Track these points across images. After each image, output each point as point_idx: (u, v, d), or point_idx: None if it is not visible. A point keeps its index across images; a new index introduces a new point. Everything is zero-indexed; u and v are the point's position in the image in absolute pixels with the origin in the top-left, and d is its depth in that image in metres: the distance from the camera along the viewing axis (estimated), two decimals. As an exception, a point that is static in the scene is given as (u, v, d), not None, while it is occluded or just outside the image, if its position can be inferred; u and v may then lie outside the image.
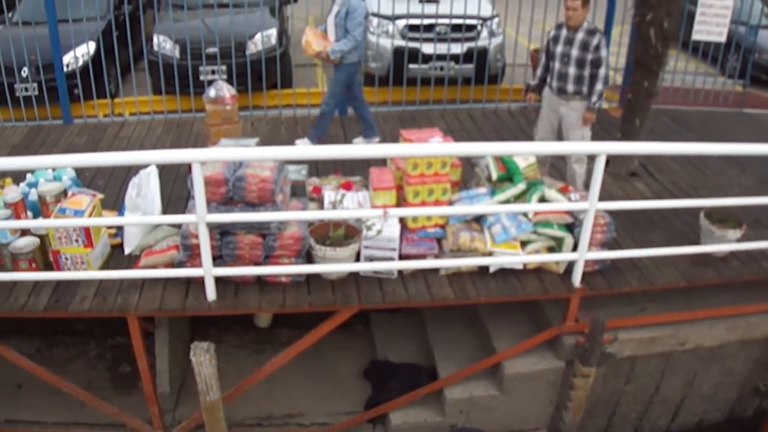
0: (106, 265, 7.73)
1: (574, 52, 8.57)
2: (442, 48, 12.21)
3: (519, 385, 8.05)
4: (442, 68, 12.29)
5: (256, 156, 6.79)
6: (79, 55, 12.72)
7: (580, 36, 8.56)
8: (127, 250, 7.90)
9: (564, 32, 8.68)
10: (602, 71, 8.56)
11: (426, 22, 12.23)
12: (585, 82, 8.64)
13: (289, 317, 7.88)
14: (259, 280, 7.36)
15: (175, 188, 8.96)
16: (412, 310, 8.57)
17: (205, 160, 6.52)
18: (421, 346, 8.98)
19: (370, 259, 7.33)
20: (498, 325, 8.32)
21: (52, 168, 8.70)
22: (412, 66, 12.11)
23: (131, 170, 9.06)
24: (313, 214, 7.35)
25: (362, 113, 10.75)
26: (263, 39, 12.86)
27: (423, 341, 8.97)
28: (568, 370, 7.98)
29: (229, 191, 6.96)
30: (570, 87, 8.70)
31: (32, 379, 8.57)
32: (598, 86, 8.60)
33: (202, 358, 6.89)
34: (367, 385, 8.81)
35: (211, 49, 12.07)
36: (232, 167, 7.02)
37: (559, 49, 8.68)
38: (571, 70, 8.63)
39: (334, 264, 7.17)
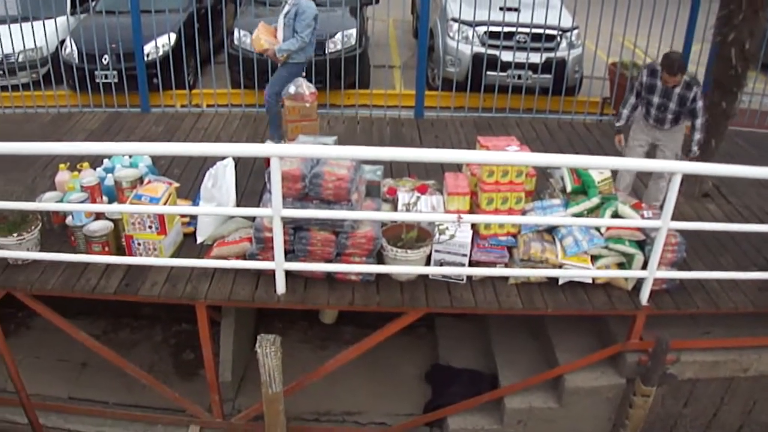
0: (177, 253, 7.85)
1: (672, 106, 8.48)
2: (520, 57, 12.14)
3: (579, 399, 7.98)
4: (519, 77, 12.23)
5: (334, 154, 6.80)
6: (160, 45, 12.88)
7: (677, 91, 8.43)
8: (199, 239, 8.00)
9: (659, 84, 8.52)
10: (699, 121, 8.50)
11: (506, 29, 12.15)
12: (684, 118, 8.61)
13: (354, 315, 7.90)
14: (329, 276, 7.40)
15: (250, 182, 9.06)
16: (477, 317, 8.55)
17: (284, 155, 6.56)
18: (484, 353, 8.95)
19: (441, 263, 7.31)
20: (562, 337, 8.26)
21: (129, 155, 8.80)
22: (490, 73, 12.05)
23: (207, 161, 9.17)
24: (387, 215, 7.36)
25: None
26: (344, 38, 12.88)
27: (486, 348, 8.94)
28: (628, 388, 7.89)
29: (306, 187, 6.99)
30: (668, 125, 8.67)
31: (97, 359, 8.72)
32: (696, 136, 8.55)
33: (268, 350, 6.94)
34: (428, 388, 8.82)
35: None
36: (310, 164, 7.05)
37: (656, 99, 8.56)
38: (669, 116, 8.58)
39: (404, 266, 7.17)
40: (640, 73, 8.83)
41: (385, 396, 8.78)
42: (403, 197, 7.64)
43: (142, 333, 10.04)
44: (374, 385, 8.89)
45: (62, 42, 13.76)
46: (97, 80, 12.76)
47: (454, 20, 12.83)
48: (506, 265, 7.49)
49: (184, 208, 7.89)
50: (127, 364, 8.27)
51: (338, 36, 12.90)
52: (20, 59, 13.54)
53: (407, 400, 8.75)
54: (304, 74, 10.08)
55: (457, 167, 8.31)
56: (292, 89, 9.23)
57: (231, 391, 8.58)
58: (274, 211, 6.61)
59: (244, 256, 7.48)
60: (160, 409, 8.70)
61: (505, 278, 7.50)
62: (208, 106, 12.59)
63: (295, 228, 7.15)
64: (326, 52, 12.43)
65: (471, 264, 7.41)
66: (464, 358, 8.93)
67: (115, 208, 7.72)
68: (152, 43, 12.56)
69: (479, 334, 9.17)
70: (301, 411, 8.48)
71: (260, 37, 10.13)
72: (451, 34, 12.88)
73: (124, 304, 7.95)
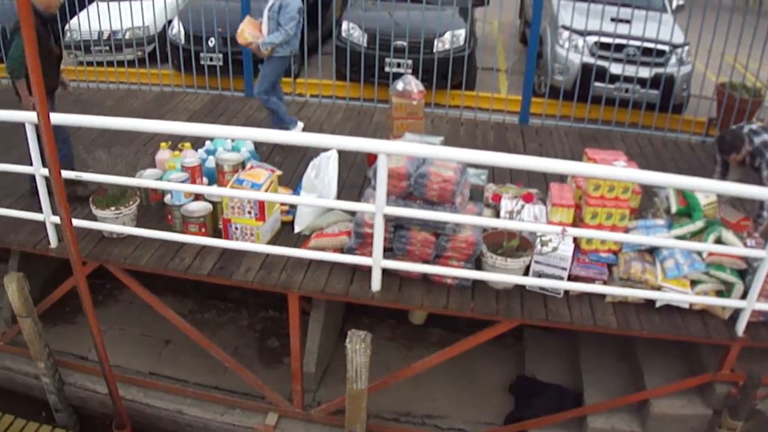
0: (274, 241, 7.85)
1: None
2: (629, 70, 11.93)
3: (663, 426, 7.76)
4: (627, 90, 12.02)
5: (443, 155, 6.69)
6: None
7: (748, 162, 8.28)
8: (297, 229, 7.99)
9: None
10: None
11: (617, 41, 11.95)
12: None
13: (442, 317, 7.81)
14: (426, 278, 7.32)
15: (350, 175, 9.02)
16: (568, 332, 8.37)
17: (392, 152, 6.50)
18: (571, 369, 8.78)
19: (539, 274, 7.18)
20: (652, 360, 8.06)
21: (232, 138, 8.80)
22: (597, 84, 11.86)
23: (308, 151, 9.16)
24: (492, 222, 7.22)
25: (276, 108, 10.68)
26: (452, 38, 12.79)
27: (573, 364, 8.77)
28: (714, 419, 7.65)
29: (410, 186, 6.93)
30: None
31: (180, 337, 8.80)
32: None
33: (358, 346, 6.89)
34: (511, 399, 8.65)
35: (400, 43, 12.11)
36: (416, 163, 6.98)
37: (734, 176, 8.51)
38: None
39: (503, 274, 7.05)
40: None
41: (467, 403, 8.64)
42: (506, 204, 7.53)
43: (228, 316, 10.06)
44: (457, 390, 8.75)
45: (169, 22, 13.90)
46: (202, 62, 12.90)
47: (565, 28, 12.67)
48: (605, 283, 7.32)
49: (285, 196, 7.86)
50: (212, 346, 8.31)
51: (447, 35, 12.82)
52: (127, 36, 13.71)
53: (489, 409, 8.60)
54: (410, 72, 9.99)
55: (561, 178, 8.16)
56: (400, 86, 9.13)
57: (313, 383, 8.52)
58: (377, 208, 6.56)
59: (341, 250, 7.46)
60: (239, 394, 8.70)
61: (602, 296, 7.32)
62: (312, 96, 12.56)
63: (395, 226, 7.09)
64: (434, 51, 12.36)
65: (569, 278, 7.26)
66: (550, 372, 8.76)
67: (216, 190, 7.74)
68: (260, 29, 12.58)
69: (568, 348, 8.99)
70: (381, 409, 8.39)
71: (244, 30, 10.17)
72: (561, 42, 12.72)
73: (213, 286, 8.00)
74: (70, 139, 8.93)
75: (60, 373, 9.04)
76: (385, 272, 7.17)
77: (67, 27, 14.96)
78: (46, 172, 7.32)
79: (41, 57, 7.74)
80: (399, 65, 12.51)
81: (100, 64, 13.63)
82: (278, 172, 7.93)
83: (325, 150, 8.24)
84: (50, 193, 7.39)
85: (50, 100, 7.93)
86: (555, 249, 6.99)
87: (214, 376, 8.95)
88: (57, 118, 6.79)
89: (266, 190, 7.44)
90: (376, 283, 7.15)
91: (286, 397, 8.37)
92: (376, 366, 7.30)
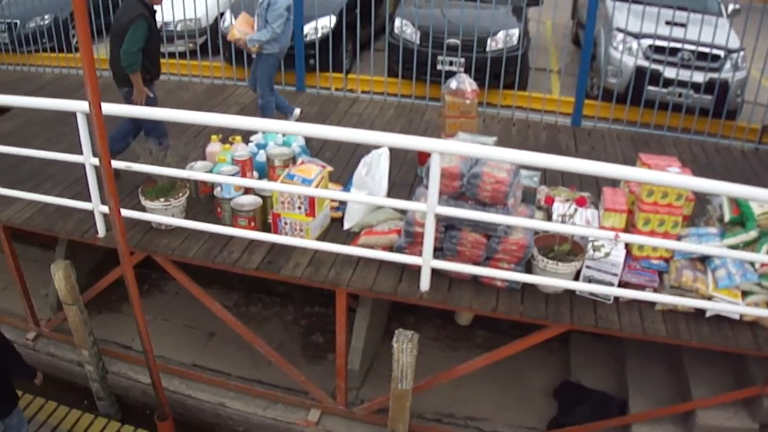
0: (323, 237, 7.82)
1: None
2: (684, 74, 11.78)
3: (708, 437, 7.67)
4: (680, 95, 11.86)
5: (497, 155, 6.61)
6: (320, 26, 12.87)
7: None
8: (346, 226, 7.98)
9: None
10: None
11: (671, 45, 11.80)
12: None
13: (489, 319, 7.72)
14: (475, 279, 7.25)
15: (401, 173, 8.95)
16: (614, 338, 8.27)
17: (446, 151, 6.45)
18: (617, 376, 8.68)
19: (589, 279, 7.09)
20: (698, 371, 7.94)
21: (284, 133, 8.78)
22: (651, 88, 11.70)
23: (359, 147, 9.12)
24: (544, 225, 7.15)
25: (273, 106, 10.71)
26: (506, 37, 12.69)
27: (619, 371, 8.66)
28: (759, 433, 7.56)
29: (463, 186, 6.87)
30: None
31: (225, 330, 8.83)
32: None
33: (404, 345, 6.87)
34: (554, 404, 8.58)
35: (453, 41, 12.02)
36: (469, 163, 6.91)
37: None
38: None
39: (553, 278, 6.97)
40: None
41: (510, 406, 8.58)
42: (559, 207, 7.44)
43: (273, 310, 10.08)
44: (500, 393, 8.70)
45: (221, 14, 13.91)
46: (253, 56, 12.84)
47: (620, 30, 12.52)
48: (655, 290, 7.21)
49: (336, 192, 7.83)
50: (258, 340, 8.32)
51: (500, 35, 12.73)
52: (179, 28, 13.75)
53: (532, 413, 8.53)
54: (462, 70, 9.90)
55: (613, 182, 8.05)
56: (453, 84, 9.05)
57: (357, 381, 8.51)
58: (429, 207, 6.52)
59: (390, 248, 7.42)
60: (282, 389, 8.71)
61: (652, 303, 7.20)
62: (363, 92, 12.49)
63: (446, 226, 7.02)
64: (487, 49, 12.28)
65: (620, 284, 7.16)
66: (596, 378, 8.67)
67: (267, 185, 7.71)
68: (312, 24, 12.59)
69: (614, 355, 8.89)
70: (424, 410, 8.34)
71: (235, 26, 10.37)
72: (615, 45, 12.59)
73: (259, 280, 7.95)
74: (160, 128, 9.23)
75: (104, 361, 9.11)
76: (435, 272, 7.11)
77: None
78: (96, 161, 7.34)
79: (152, 48, 8.47)
80: (451, 63, 12.42)
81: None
82: (329, 168, 7.91)
83: (377, 147, 8.20)
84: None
85: (152, 89, 8.78)
86: (607, 255, 6.90)
87: (257, 370, 8.97)
88: (108, 108, 6.79)
89: (317, 186, 7.41)
90: (425, 283, 7.09)
91: (329, 393, 8.36)
92: (419, 366, 7.25)
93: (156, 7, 8.67)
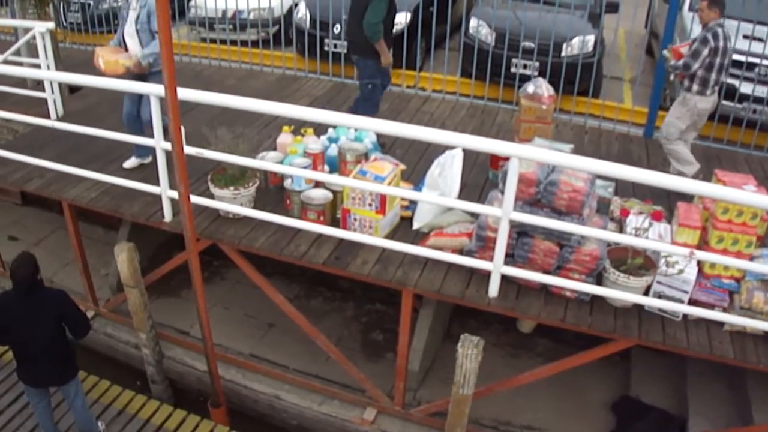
0: (392, 235, 7.76)
1: None
2: (760, 90, 11.56)
3: (767, 463, 7.53)
4: (755, 111, 11.65)
5: (577, 164, 6.48)
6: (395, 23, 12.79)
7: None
8: (415, 225, 7.92)
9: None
10: None
11: (749, 59, 11.59)
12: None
13: (551, 328, 7.63)
14: (544, 288, 7.16)
15: (471, 175, 8.83)
16: (677, 355, 8.15)
17: (525, 156, 6.37)
18: (677, 394, 8.53)
19: (659, 295, 6.96)
20: (762, 395, 7.78)
21: (356, 128, 8.74)
22: (725, 103, 11.50)
23: (430, 147, 9.06)
24: (619, 237, 6.97)
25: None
26: (582, 43, 12.55)
27: (680, 389, 8.52)
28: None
29: (539, 193, 6.78)
30: None
31: (284, 322, 8.83)
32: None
33: (469, 351, 6.80)
34: (612, 418, 8.46)
35: (528, 44, 11.90)
36: (546, 170, 6.82)
37: None
38: None
39: (624, 291, 6.84)
40: None
41: (568, 417, 8.46)
42: (633, 220, 7.32)
43: (334, 305, 10.07)
44: (558, 403, 8.58)
45: (295, 5, 13.92)
46: (326, 48, 12.90)
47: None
48: (724, 310, 7.05)
49: (408, 191, 7.74)
50: (319, 335, 8.30)
51: (576, 40, 12.58)
52: (251, 17, 13.78)
53: (589, 426, 8.41)
54: (536, 74, 9.78)
55: (685, 197, 7.89)
56: (530, 88, 8.94)
57: (415, 382, 8.44)
58: (504, 213, 6.45)
59: (460, 251, 7.33)
60: (339, 385, 8.69)
61: (721, 323, 7.05)
62: (435, 91, 12.44)
63: (519, 232, 6.93)
64: (562, 54, 12.15)
65: (689, 302, 7.01)
66: (655, 395, 8.54)
67: (339, 179, 7.68)
68: (388, 19, 12.52)
69: (675, 372, 8.74)
70: (480, 416, 8.26)
71: (111, 59, 8.69)
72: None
73: (321, 273, 7.97)
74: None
75: (160, 345, 9.15)
76: (504, 279, 7.03)
77: (192, 3, 15.17)
78: (167, 145, 7.35)
79: (387, 26, 9.05)
80: (525, 67, 12.32)
81: (223, 42, 13.73)
82: (401, 167, 7.85)
83: (449, 147, 8.13)
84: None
85: (379, 64, 9.30)
86: (681, 271, 6.78)
87: (315, 365, 8.96)
88: (182, 93, 6.81)
89: (389, 184, 7.37)
90: (493, 288, 7.02)
91: (386, 392, 8.31)
92: (479, 371, 7.16)
93: None
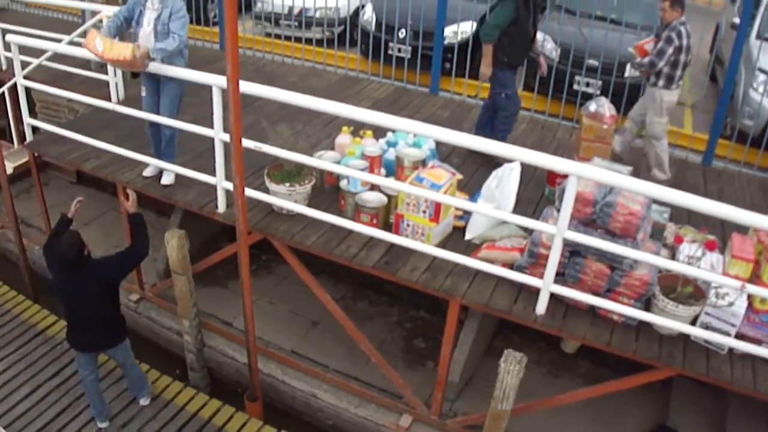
0: (443, 244, 7.72)
1: None
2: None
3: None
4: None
5: (636, 187, 6.36)
6: (460, 31, 12.78)
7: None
8: (468, 236, 7.89)
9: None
10: None
11: None
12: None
13: (594, 350, 7.55)
14: (591, 309, 7.10)
15: (527, 190, 8.79)
16: (719, 387, 8.08)
17: (585, 176, 6.30)
18: (715, 428, 8.42)
19: (706, 326, 6.88)
20: (803, 434, 7.70)
21: (415, 134, 8.73)
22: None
23: (487, 157, 9.01)
24: (673, 265, 6.82)
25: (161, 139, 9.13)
26: (647, 65, 12.42)
27: (720, 425, 8.39)
28: None
29: (594, 214, 6.74)
30: None
31: (328, 321, 8.91)
32: None
33: (512, 367, 6.74)
34: (648, 447, 8.40)
35: (592, 62, 11.82)
36: (604, 190, 6.77)
37: None
38: None
39: (671, 319, 6.77)
40: None
41: (604, 441, 8.41)
42: (686, 248, 7.25)
43: (380, 309, 10.08)
44: (594, 425, 8.50)
45: (362, 6, 13.97)
46: (390, 52, 12.93)
47: (762, 71, 12.17)
48: (772, 346, 6.99)
49: (465, 202, 7.69)
50: (362, 338, 8.30)
51: (642, 61, 12.48)
52: (317, 15, 13.85)
53: (625, 452, 8.36)
54: (598, 93, 9.71)
55: (740, 228, 7.78)
56: (593, 107, 8.89)
57: (453, 393, 8.41)
58: (559, 230, 6.42)
59: (510, 266, 7.29)
60: (377, 389, 8.68)
61: (766, 359, 6.99)
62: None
63: (571, 252, 6.89)
64: (626, 75, 12.05)
65: (736, 335, 6.92)
66: (693, 427, 8.41)
67: (396, 184, 7.65)
68: (453, 27, 12.49)
69: (716, 405, 8.61)
70: (516, 431, 8.23)
71: (116, 42, 8.10)
72: (756, 86, 12.21)
73: (369, 276, 7.98)
74: None
75: (203, 334, 9.21)
76: (552, 297, 6.99)
77: (259, -2, 15.29)
78: (226, 137, 7.40)
79: (516, 33, 8.96)
80: (588, 85, 12.25)
81: (287, 38, 13.81)
82: (459, 176, 7.82)
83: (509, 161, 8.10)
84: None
85: (512, 74, 9.23)
86: (731, 304, 6.71)
87: (355, 367, 8.98)
88: (245, 86, 6.87)
89: (445, 192, 7.36)
90: (542, 306, 6.98)
91: (423, 401, 8.28)
92: (519, 387, 7.13)
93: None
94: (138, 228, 7.75)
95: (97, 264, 7.54)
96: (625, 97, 11.41)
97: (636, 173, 8.93)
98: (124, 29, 8.60)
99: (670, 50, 9.07)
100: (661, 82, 9.36)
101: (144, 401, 8.53)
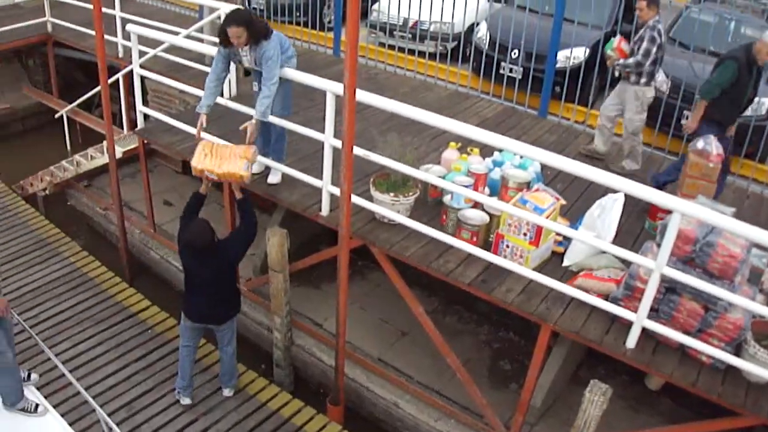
0: (540, 268, 7.75)
1: None
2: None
3: None
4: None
5: (740, 229, 6.27)
6: (573, 56, 12.74)
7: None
8: (566, 263, 7.91)
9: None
10: None
11: None
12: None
13: (677, 388, 7.48)
14: (681, 348, 7.03)
15: (628, 222, 8.71)
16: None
17: (688, 213, 6.29)
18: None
19: (793, 377, 6.82)
20: None
21: (522, 155, 8.76)
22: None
23: (591, 186, 8.99)
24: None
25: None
26: (757, 104, 11.96)
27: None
28: None
29: (694, 252, 6.72)
30: None
31: (417, 333, 8.99)
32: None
33: (596, 397, 6.78)
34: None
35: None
36: (705, 230, 6.75)
37: None
38: None
39: (763, 367, 6.68)
40: None
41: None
42: (783, 296, 7.20)
43: (469, 326, 10.11)
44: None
45: (477, 24, 14.01)
46: (502, 71, 12.91)
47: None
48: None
49: (566, 228, 7.64)
50: (450, 352, 8.35)
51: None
52: (432, 29, 13.94)
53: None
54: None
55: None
56: (700, 144, 8.81)
57: (534, 417, 8.41)
58: (657, 265, 6.43)
59: (605, 296, 7.29)
60: (459, 405, 8.72)
61: None
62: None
63: (668, 288, 6.87)
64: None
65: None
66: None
67: (499, 204, 7.69)
68: (566, 52, 12.46)
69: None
70: (592, 461, 8.22)
71: (225, 170, 8.11)
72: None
73: (462, 292, 7.98)
74: None
75: (292, 332, 9.38)
76: (643, 331, 6.95)
77: (375, 7, 15.42)
78: (337, 143, 7.54)
79: (736, 94, 9.13)
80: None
81: (400, 49, 13.96)
82: (562, 201, 7.84)
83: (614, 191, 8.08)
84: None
85: (716, 133, 8.91)
86: (818, 355, 6.65)
87: (439, 381, 9.04)
88: (360, 95, 7.02)
89: (548, 217, 7.38)
90: (632, 340, 6.96)
91: (503, 422, 8.29)
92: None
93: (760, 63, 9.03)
94: (248, 211, 8.07)
95: (223, 245, 7.88)
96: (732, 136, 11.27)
97: (605, 165, 9.55)
98: (222, 84, 8.81)
99: (655, 49, 9.46)
100: (642, 80, 9.78)
101: (228, 392, 8.78)
